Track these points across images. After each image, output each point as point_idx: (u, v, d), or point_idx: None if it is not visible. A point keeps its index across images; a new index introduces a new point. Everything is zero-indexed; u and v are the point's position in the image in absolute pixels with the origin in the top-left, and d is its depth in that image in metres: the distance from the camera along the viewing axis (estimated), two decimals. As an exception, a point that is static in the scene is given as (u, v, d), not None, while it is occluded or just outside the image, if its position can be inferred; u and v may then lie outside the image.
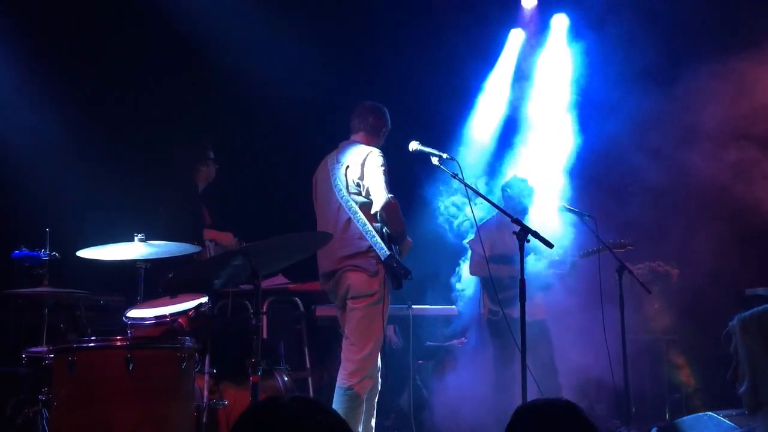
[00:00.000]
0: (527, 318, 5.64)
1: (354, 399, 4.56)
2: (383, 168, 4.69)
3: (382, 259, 4.55)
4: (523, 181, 6.16)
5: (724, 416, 4.45)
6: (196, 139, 5.74)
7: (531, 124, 7.41)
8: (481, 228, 5.83)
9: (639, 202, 6.65)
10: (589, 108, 7.33)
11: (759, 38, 6.64)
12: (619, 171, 6.88)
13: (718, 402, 5.55)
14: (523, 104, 7.55)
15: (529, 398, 3.97)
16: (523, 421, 2.18)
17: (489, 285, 5.71)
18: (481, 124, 7.70)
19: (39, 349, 4.23)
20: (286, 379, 4.88)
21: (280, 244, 3.96)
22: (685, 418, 5.47)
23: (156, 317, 4.14)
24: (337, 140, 5.02)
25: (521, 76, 7.75)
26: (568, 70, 7.65)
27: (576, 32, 7.72)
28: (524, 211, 6.02)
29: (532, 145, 7.22)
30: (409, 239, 4.83)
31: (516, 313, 4.41)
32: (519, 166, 6.85)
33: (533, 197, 6.09)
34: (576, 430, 2.13)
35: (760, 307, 2.58)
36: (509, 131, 7.54)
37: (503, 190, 6.21)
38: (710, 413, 4.94)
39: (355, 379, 4.58)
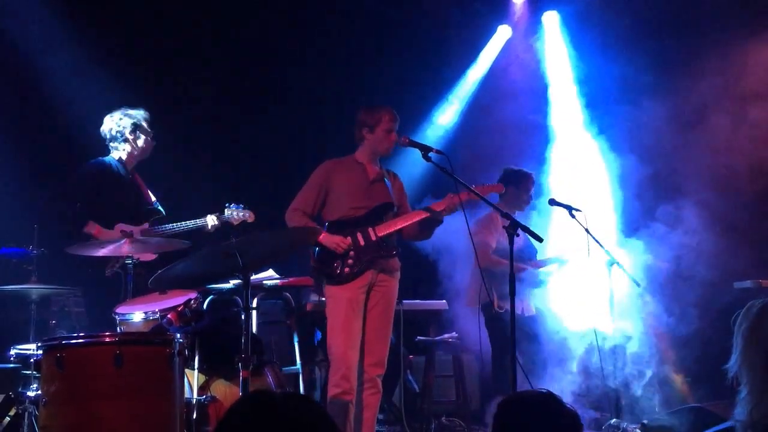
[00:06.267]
0: (525, 314, 5.66)
1: None
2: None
3: None
4: (520, 171, 5.98)
5: (713, 408, 4.47)
6: None
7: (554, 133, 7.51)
8: (489, 219, 5.74)
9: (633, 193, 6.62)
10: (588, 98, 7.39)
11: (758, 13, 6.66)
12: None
13: (708, 394, 5.58)
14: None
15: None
16: (506, 412, 2.25)
17: (496, 279, 5.62)
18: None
19: (27, 345, 4.21)
20: (276, 374, 4.87)
21: (269, 239, 3.96)
22: (674, 410, 5.52)
23: (146, 313, 4.13)
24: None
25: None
26: (568, 64, 7.68)
27: (568, 25, 7.74)
28: (528, 202, 5.88)
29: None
30: (317, 228, 4.69)
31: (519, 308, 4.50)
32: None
33: (533, 189, 5.95)
34: (557, 420, 2.20)
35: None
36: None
37: (509, 182, 5.91)
38: (699, 405, 4.98)
39: None
